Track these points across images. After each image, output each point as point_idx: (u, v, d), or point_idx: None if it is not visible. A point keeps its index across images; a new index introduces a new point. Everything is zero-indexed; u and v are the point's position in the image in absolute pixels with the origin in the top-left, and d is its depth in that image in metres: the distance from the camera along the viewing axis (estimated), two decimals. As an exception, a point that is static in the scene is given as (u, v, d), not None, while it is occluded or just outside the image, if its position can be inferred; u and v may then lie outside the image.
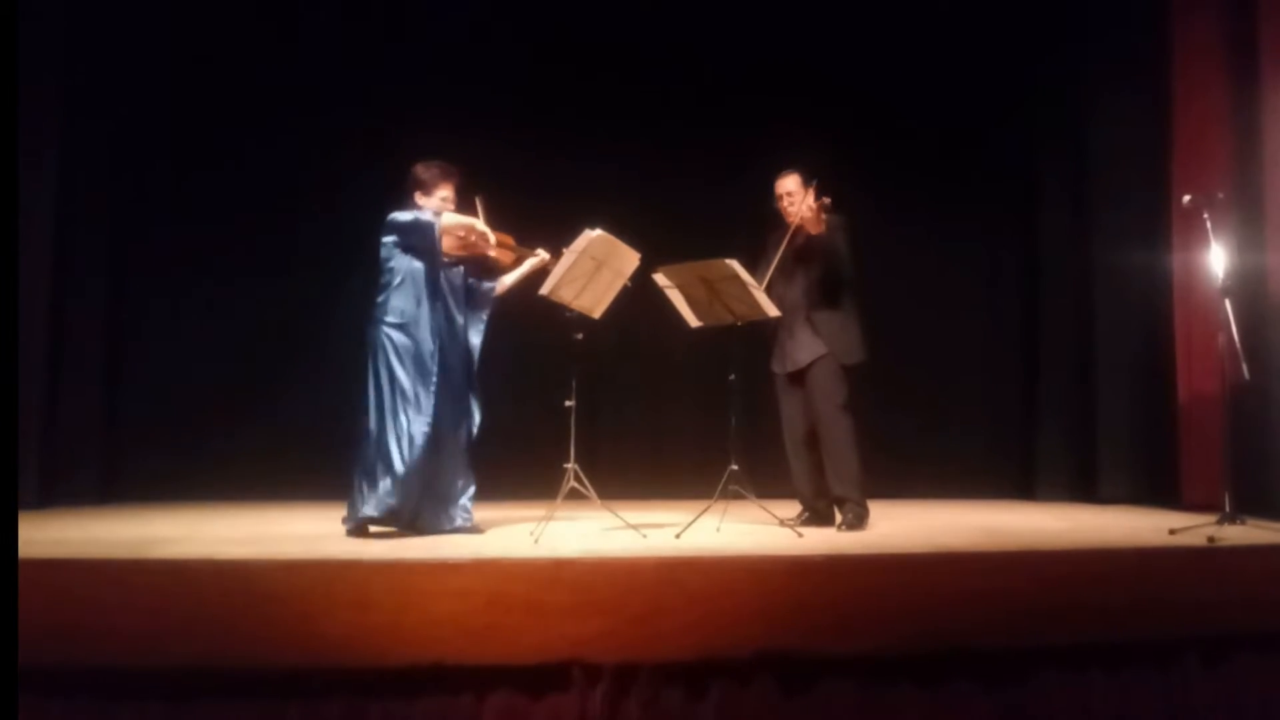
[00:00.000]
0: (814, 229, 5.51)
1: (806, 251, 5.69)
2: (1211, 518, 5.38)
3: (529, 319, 5.83)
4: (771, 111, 7.93)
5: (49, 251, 7.00)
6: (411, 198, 5.35)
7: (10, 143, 3.82)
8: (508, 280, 5.58)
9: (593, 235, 5.25)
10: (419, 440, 5.04)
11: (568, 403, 5.33)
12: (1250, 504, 5.63)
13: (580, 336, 5.47)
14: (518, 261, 5.57)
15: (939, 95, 8.30)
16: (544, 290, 5.35)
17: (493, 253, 5.41)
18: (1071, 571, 4.39)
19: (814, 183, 5.57)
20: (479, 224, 5.31)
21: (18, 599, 3.37)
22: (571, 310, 5.47)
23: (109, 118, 7.57)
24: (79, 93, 7.30)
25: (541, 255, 5.56)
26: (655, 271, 5.57)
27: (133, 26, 7.55)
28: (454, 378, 5.27)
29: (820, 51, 8.15)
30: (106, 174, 7.59)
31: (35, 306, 6.77)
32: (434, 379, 5.14)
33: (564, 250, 5.31)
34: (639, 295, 5.64)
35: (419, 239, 5.19)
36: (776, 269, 5.67)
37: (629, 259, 5.40)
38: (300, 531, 5.27)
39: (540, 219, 5.68)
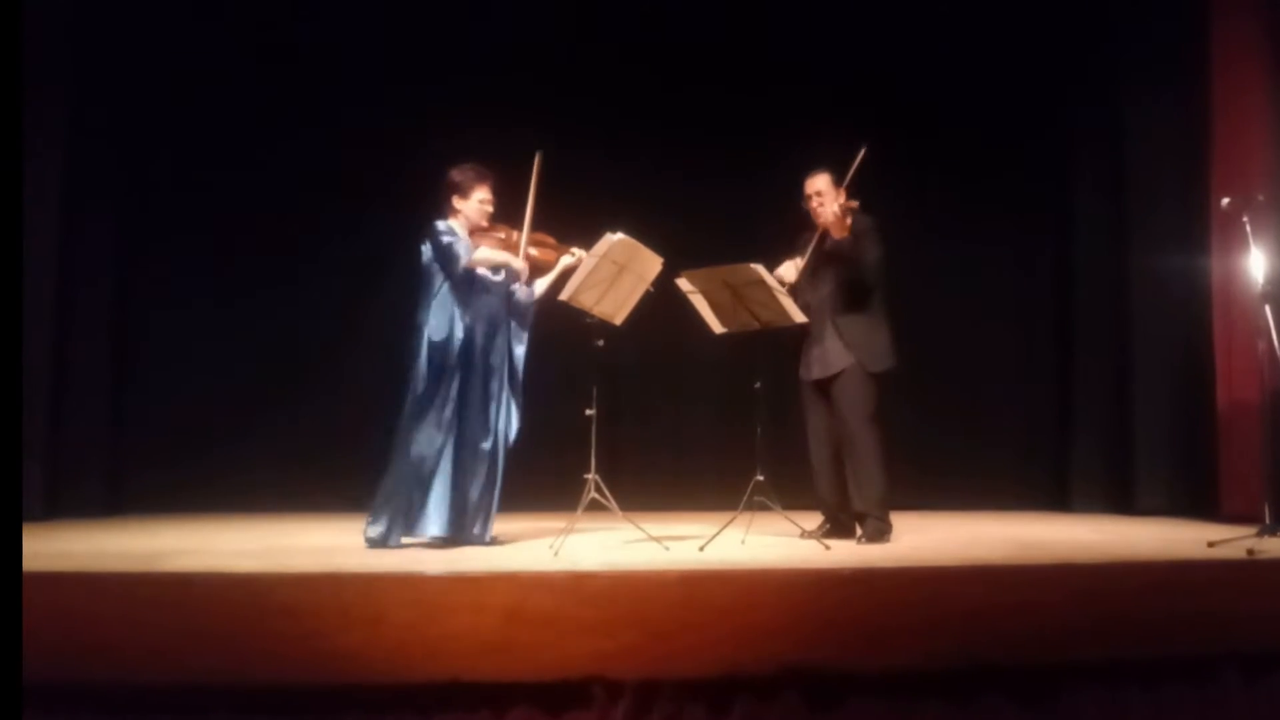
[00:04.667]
0: (837, 233, 5.45)
1: (832, 256, 5.60)
2: (1252, 529, 5.28)
3: (548, 325, 5.77)
4: (799, 110, 7.89)
5: (54, 258, 6.98)
6: (449, 203, 5.32)
7: (14, 151, 3.75)
8: (542, 284, 5.52)
9: (614, 239, 5.18)
10: (461, 454, 5.10)
11: (588, 411, 5.27)
12: (1292, 515, 5.50)
13: (601, 343, 5.41)
14: (557, 261, 5.52)
15: (972, 94, 8.24)
16: (564, 296, 5.29)
17: (535, 251, 5.40)
18: (1107, 585, 4.30)
19: (844, 185, 5.49)
20: (515, 261, 5.26)
21: (22, 613, 3.30)
22: (592, 316, 5.40)
23: (114, 122, 7.55)
24: (84, 97, 7.28)
25: (576, 254, 5.48)
26: (678, 276, 5.50)
27: (139, 31, 7.54)
28: (494, 390, 5.26)
29: (849, 49, 8.13)
30: (112, 179, 7.57)
31: (40, 312, 6.73)
32: (474, 392, 5.17)
33: (584, 254, 5.25)
34: (662, 301, 5.57)
35: (446, 263, 5.18)
36: (804, 273, 5.61)
37: (651, 263, 5.32)
38: (313, 544, 5.24)
39: (559, 222, 5.61)
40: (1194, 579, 4.43)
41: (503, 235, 5.35)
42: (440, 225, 5.23)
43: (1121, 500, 7.71)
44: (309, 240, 7.66)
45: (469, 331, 5.19)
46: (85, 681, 3.63)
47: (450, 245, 5.16)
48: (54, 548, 5.00)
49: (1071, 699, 3.99)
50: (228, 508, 7.18)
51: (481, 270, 5.28)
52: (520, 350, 5.43)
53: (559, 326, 5.78)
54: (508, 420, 5.34)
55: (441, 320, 5.15)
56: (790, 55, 8.06)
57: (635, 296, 5.42)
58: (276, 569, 4.13)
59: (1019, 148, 8.34)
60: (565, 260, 5.50)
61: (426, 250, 5.23)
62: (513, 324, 5.42)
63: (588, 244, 5.24)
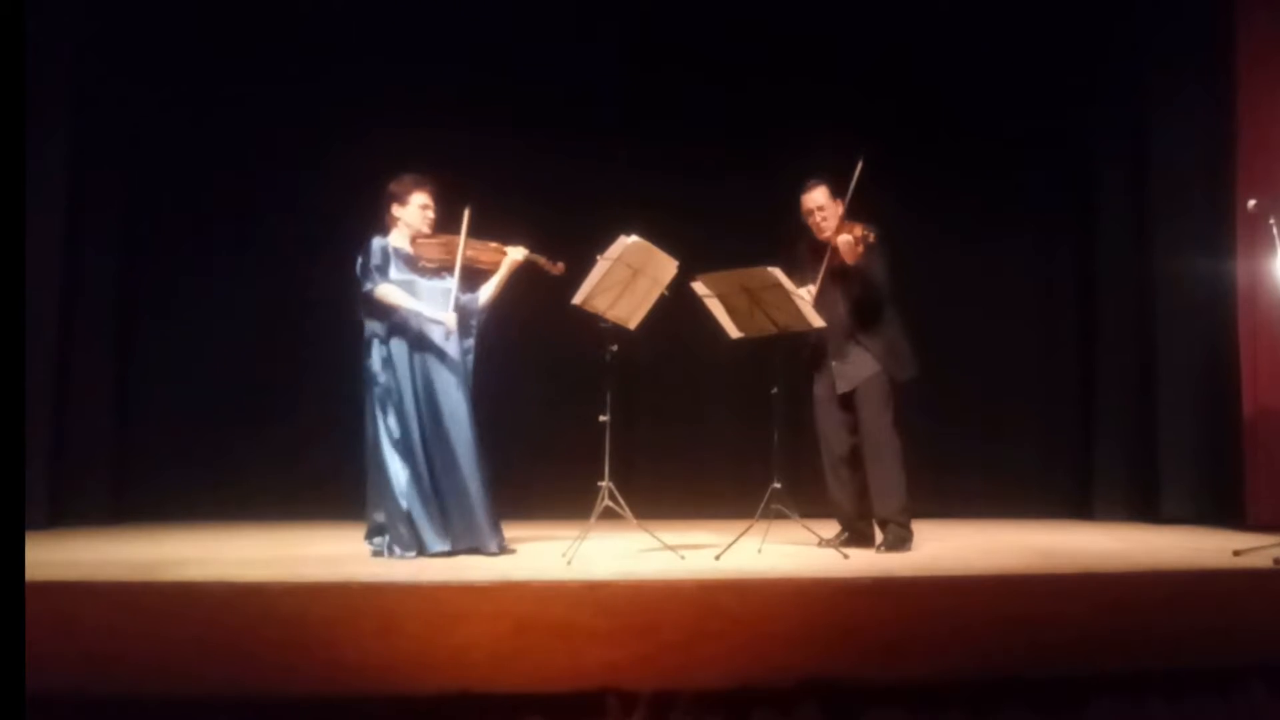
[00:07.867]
0: (850, 259, 5.37)
1: (843, 276, 5.54)
2: (1278, 538, 5.21)
3: (561, 331, 5.75)
4: (816, 112, 7.81)
5: (56, 264, 6.92)
6: (389, 213, 5.28)
7: (17, 152, 3.72)
8: (489, 288, 5.40)
9: (628, 242, 5.13)
10: (422, 469, 5.05)
11: (602, 418, 5.23)
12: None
13: (615, 348, 5.36)
14: (500, 263, 5.39)
15: (991, 93, 8.17)
16: (577, 300, 5.24)
17: (478, 256, 5.30)
18: (1130, 595, 4.28)
19: (844, 199, 5.42)
20: (427, 311, 5.14)
21: (24, 623, 3.25)
22: (606, 321, 5.35)
23: (118, 124, 7.49)
24: (86, 98, 7.22)
25: (516, 252, 5.35)
26: (694, 280, 5.43)
27: (143, 19, 7.47)
28: (450, 397, 5.16)
29: (866, 50, 8.05)
30: (113, 185, 7.51)
31: (42, 318, 6.67)
32: (427, 402, 5.11)
33: (598, 257, 5.19)
34: (677, 305, 5.51)
35: (360, 279, 5.16)
36: (816, 294, 5.56)
37: (666, 267, 5.27)
38: (321, 552, 5.22)
39: (572, 224, 5.57)
40: (1219, 588, 4.44)
41: (443, 242, 5.23)
42: (374, 243, 5.16)
43: (1145, 508, 7.62)
44: (314, 244, 7.59)
45: (416, 337, 5.14)
46: (89, 693, 3.60)
47: (366, 266, 5.11)
48: (57, 556, 4.98)
49: (1094, 710, 3.94)
50: (234, 515, 7.12)
51: (416, 277, 5.21)
52: (467, 351, 5.32)
53: (572, 332, 5.74)
54: (471, 424, 5.22)
55: (387, 327, 5.13)
56: (806, 54, 7.99)
57: (650, 301, 5.37)
58: (284, 578, 4.11)
59: (1041, 147, 8.27)
60: (507, 261, 5.35)
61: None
62: (460, 327, 5.21)
63: (602, 247, 5.18)
